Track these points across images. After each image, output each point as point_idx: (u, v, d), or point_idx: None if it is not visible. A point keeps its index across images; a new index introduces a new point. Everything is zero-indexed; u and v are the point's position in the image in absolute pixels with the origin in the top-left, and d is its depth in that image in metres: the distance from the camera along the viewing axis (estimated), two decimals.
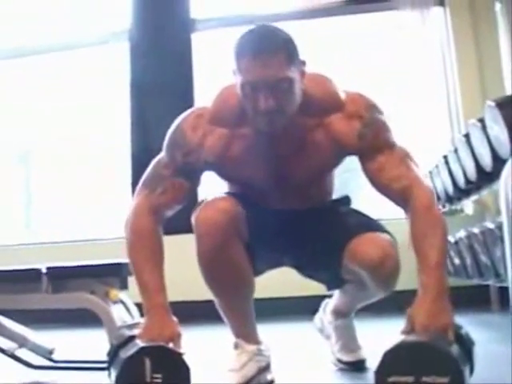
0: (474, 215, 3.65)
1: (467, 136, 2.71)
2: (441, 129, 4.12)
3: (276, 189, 1.77)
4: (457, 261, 3.19)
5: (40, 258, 2.83)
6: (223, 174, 1.81)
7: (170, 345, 1.51)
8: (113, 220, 4.42)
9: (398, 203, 1.67)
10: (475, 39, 4.20)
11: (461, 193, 3.11)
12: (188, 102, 4.13)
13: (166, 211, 1.73)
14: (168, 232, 1.75)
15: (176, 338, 1.55)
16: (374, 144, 1.67)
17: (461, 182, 2.95)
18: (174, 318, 1.61)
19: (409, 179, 1.64)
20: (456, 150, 2.94)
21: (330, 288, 1.94)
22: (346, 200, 1.96)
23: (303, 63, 1.61)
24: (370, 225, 1.80)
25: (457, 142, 2.94)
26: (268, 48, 1.52)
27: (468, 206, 3.66)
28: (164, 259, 1.69)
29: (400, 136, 1.73)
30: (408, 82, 4.23)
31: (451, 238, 3.11)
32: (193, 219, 1.73)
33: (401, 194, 1.64)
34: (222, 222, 1.68)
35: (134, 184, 1.83)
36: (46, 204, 4.97)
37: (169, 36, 4.46)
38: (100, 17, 4.66)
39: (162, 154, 1.76)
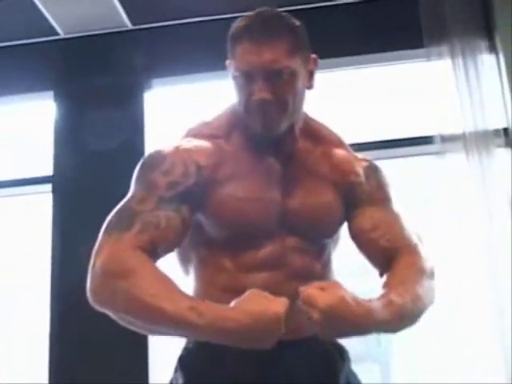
0: None
1: None
2: None
3: (276, 224, 1.42)
4: None
5: None
6: (215, 196, 1.40)
7: None
8: None
9: (378, 262, 1.47)
10: None
11: None
12: None
13: (155, 252, 1.30)
14: None
15: None
16: (375, 192, 1.51)
17: None
18: None
19: (402, 242, 1.45)
20: None
21: None
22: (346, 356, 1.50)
23: (314, 60, 1.44)
24: None
25: None
26: (269, 32, 1.34)
27: None
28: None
29: None
30: None
31: None
32: None
33: (386, 252, 1.45)
34: None
35: None
36: None
37: None
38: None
39: (132, 191, 1.37)
